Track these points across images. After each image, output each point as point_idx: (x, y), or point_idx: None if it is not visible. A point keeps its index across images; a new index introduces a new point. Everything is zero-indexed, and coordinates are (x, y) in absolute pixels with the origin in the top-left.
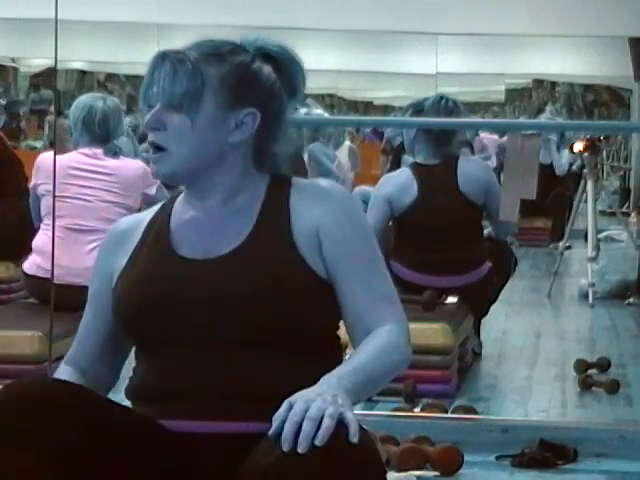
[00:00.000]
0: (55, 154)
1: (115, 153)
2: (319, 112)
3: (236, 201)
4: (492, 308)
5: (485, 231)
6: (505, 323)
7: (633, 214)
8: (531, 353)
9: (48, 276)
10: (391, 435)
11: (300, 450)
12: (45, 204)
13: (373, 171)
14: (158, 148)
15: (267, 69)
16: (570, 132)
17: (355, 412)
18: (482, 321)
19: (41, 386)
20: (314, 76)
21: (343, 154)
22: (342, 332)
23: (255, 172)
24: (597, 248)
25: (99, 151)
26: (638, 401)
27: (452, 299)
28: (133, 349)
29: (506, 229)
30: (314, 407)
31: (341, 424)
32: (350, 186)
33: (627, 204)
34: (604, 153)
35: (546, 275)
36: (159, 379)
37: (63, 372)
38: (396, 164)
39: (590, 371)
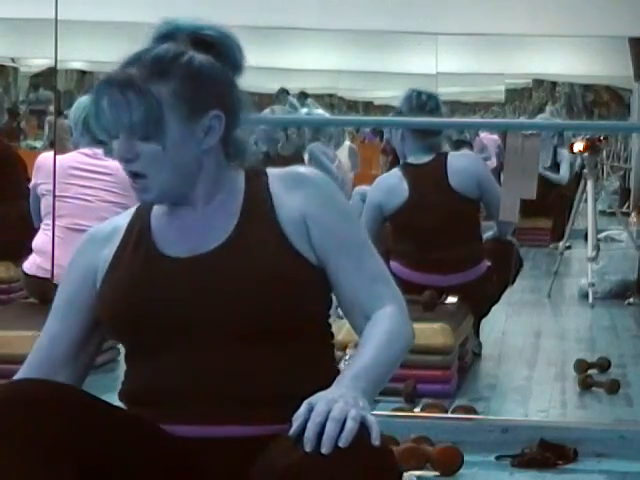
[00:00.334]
0: (55, 154)
1: None
2: (320, 112)
3: (217, 198)
4: (492, 308)
5: (490, 232)
6: (505, 323)
7: (633, 214)
8: (531, 353)
9: (48, 276)
10: (391, 435)
11: (324, 451)
12: (45, 204)
13: (373, 171)
14: (137, 175)
15: (209, 61)
16: (570, 132)
17: None
18: (482, 321)
19: (38, 386)
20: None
21: (343, 154)
22: (342, 333)
23: (229, 165)
24: (597, 248)
25: (99, 151)
26: (638, 401)
27: (452, 299)
28: (122, 353)
29: (507, 227)
30: (337, 408)
31: (363, 426)
32: (350, 186)
33: (627, 204)
34: (604, 153)
35: (546, 275)
36: (157, 382)
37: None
38: (396, 164)
39: (590, 371)
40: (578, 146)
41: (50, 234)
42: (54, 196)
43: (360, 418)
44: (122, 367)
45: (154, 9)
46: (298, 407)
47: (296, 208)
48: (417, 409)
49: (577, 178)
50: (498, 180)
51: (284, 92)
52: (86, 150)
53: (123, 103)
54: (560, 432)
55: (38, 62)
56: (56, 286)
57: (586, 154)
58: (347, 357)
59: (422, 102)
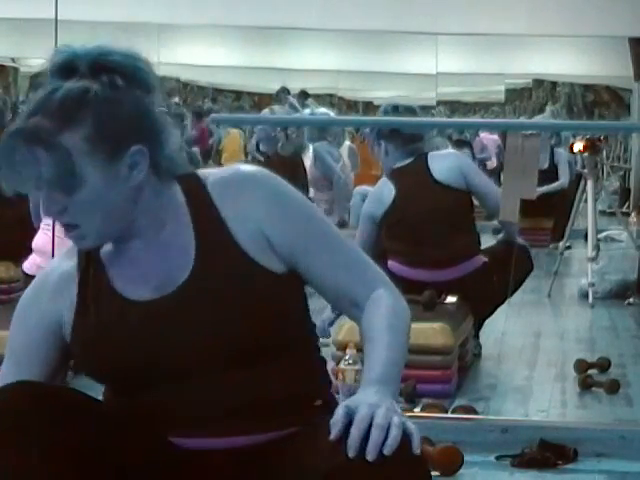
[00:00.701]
0: None
1: None
2: (323, 111)
3: (167, 228)
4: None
5: (500, 235)
6: (505, 323)
7: (633, 214)
8: (531, 353)
9: None
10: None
11: (369, 458)
12: None
13: (373, 171)
14: (69, 226)
15: (117, 94)
16: (569, 132)
17: None
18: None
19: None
20: (314, 76)
21: (343, 154)
22: (342, 333)
23: (164, 187)
24: (597, 248)
25: None
26: (638, 401)
27: (452, 298)
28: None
29: (512, 228)
30: (380, 415)
31: (404, 434)
32: (352, 186)
33: (627, 204)
34: (604, 153)
35: (546, 275)
36: (153, 410)
37: None
38: None
39: (590, 371)
40: (578, 146)
41: (50, 234)
42: None
43: (402, 426)
44: None
45: (154, 9)
46: (295, 411)
47: (249, 219)
48: (417, 409)
49: (577, 178)
50: (498, 180)
51: (284, 92)
52: None
53: (32, 160)
54: (560, 432)
55: (38, 62)
56: None
57: (586, 154)
58: (347, 357)
59: (399, 115)
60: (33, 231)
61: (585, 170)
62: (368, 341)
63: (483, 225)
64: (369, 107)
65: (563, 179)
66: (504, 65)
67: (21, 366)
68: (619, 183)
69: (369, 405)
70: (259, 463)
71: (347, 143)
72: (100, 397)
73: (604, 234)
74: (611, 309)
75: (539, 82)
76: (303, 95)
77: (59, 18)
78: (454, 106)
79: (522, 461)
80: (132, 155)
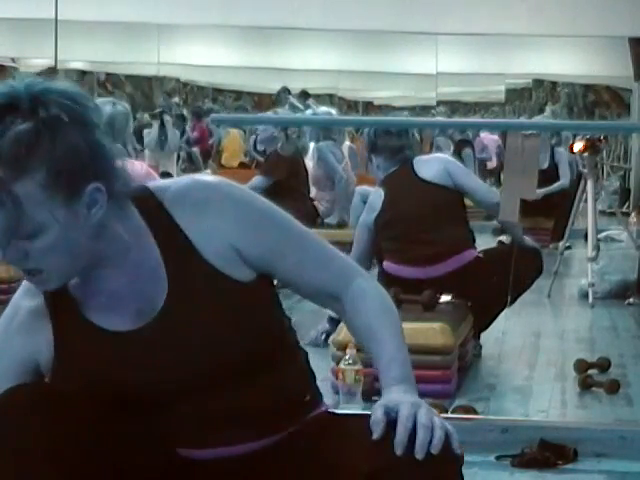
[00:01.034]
0: None
1: None
2: (325, 110)
3: (132, 252)
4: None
5: (503, 236)
6: (505, 323)
7: (633, 214)
8: (531, 353)
9: None
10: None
11: (419, 457)
12: None
13: None
14: (32, 271)
15: (65, 135)
16: (570, 132)
17: (357, 412)
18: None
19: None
20: (314, 76)
21: (344, 154)
22: (342, 333)
23: (122, 212)
24: (597, 248)
25: None
26: (638, 401)
27: (446, 297)
28: None
29: (515, 229)
30: (423, 415)
31: (445, 434)
32: (354, 186)
33: (627, 204)
34: (604, 153)
35: (546, 275)
36: (153, 430)
37: None
38: None
39: (590, 371)
40: (578, 146)
41: None
42: None
43: (445, 427)
44: None
45: (154, 9)
46: (289, 412)
47: (216, 235)
48: None
49: (577, 178)
50: (498, 180)
51: (285, 92)
52: None
53: None
54: (560, 432)
55: (38, 62)
56: None
57: (586, 154)
58: (347, 357)
59: (380, 133)
60: None
61: (585, 170)
62: (373, 341)
63: (483, 225)
64: (369, 107)
65: (564, 179)
66: (504, 65)
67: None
68: (619, 183)
69: (410, 404)
70: (262, 469)
71: (347, 143)
72: None
73: (604, 234)
74: (611, 309)
75: (539, 82)
76: (303, 95)
77: (59, 18)
78: (454, 106)
79: (522, 461)
80: (90, 194)
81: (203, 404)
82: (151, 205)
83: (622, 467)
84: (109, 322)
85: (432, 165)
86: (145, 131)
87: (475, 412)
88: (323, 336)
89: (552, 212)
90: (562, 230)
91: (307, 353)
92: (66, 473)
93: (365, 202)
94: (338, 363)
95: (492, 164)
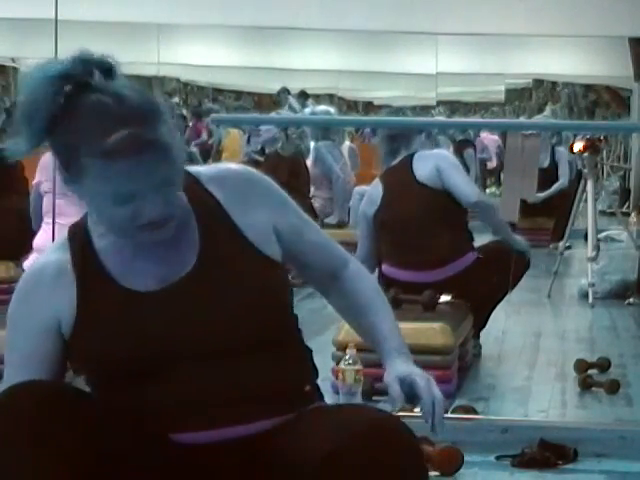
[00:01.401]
0: None
1: None
2: (324, 108)
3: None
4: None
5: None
6: (505, 323)
7: (633, 214)
8: (531, 353)
9: None
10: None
11: (438, 431)
12: (47, 202)
13: (373, 171)
14: (163, 222)
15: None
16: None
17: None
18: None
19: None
20: (314, 76)
21: (343, 154)
22: (342, 333)
23: None
24: (597, 248)
25: None
26: (638, 401)
27: (445, 297)
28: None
29: (500, 227)
30: (435, 388)
31: None
32: (353, 186)
33: (627, 204)
34: (604, 153)
35: (546, 275)
36: (157, 400)
37: None
38: None
39: (590, 371)
40: (578, 146)
41: (50, 233)
42: (54, 195)
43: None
44: None
45: (154, 9)
46: (290, 398)
47: (260, 220)
48: (417, 409)
49: (577, 178)
50: (498, 180)
51: (285, 92)
52: None
53: (151, 167)
54: (560, 432)
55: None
56: None
57: (586, 154)
58: (347, 357)
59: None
60: (33, 231)
61: (585, 170)
62: (372, 314)
63: (483, 225)
64: (369, 107)
65: (563, 179)
66: (504, 65)
67: (23, 368)
68: (619, 183)
69: (420, 376)
70: (258, 452)
71: (347, 143)
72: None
73: (604, 234)
74: (611, 309)
75: (539, 82)
76: (303, 95)
77: (59, 18)
78: (454, 106)
79: (522, 461)
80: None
81: (207, 377)
82: (188, 179)
83: (622, 467)
84: (134, 282)
85: (427, 164)
86: None
87: (475, 412)
88: None
89: (552, 212)
90: (562, 230)
91: (312, 351)
92: (75, 471)
93: None
94: (338, 363)
95: (492, 164)
